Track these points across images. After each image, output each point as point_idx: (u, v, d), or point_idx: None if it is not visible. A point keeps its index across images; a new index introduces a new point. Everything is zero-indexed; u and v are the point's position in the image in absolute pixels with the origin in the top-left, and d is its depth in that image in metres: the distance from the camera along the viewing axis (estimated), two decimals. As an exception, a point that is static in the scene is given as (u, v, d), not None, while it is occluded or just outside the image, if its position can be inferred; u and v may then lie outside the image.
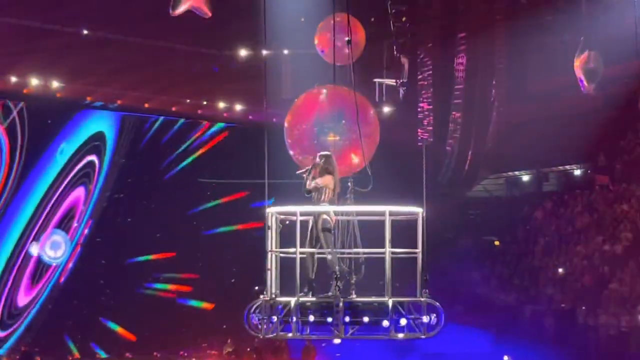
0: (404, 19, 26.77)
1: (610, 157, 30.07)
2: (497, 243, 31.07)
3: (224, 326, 27.64)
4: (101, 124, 30.01)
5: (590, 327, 25.41)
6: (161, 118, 30.71)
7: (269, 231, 11.58)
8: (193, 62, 28.94)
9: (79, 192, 29.57)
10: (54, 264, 28.68)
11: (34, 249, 28.48)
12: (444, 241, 30.92)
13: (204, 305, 30.19)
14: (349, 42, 13.25)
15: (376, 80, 28.72)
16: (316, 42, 14.77)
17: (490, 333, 26.19)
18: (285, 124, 14.32)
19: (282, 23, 25.57)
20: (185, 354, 28.61)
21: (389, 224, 11.24)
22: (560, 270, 27.83)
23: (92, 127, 29.86)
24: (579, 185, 30.78)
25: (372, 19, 22.70)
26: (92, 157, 29.77)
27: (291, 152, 14.08)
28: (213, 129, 31.58)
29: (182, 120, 31.07)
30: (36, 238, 28.68)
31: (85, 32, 26.86)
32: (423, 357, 24.02)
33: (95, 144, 29.80)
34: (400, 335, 11.44)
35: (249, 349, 24.24)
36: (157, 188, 30.46)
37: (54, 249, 28.71)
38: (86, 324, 28.61)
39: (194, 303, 30.25)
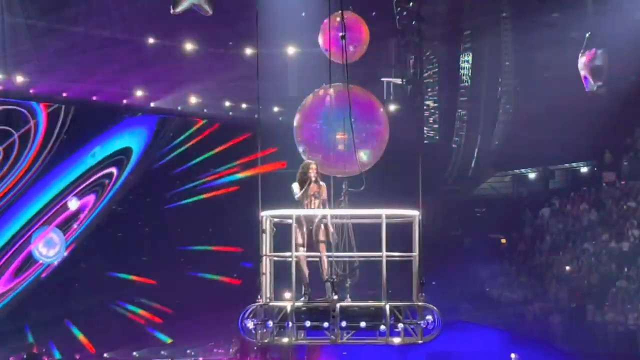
0: (406, 14, 26.74)
1: (617, 154, 30.01)
2: (503, 241, 31.04)
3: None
4: (132, 140, 30.38)
5: (597, 324, 25.39)
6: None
7: (264, 235, 11.40)
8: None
9: (90, 198, 29.81)
10: (42, 262, 28.70)
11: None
12: (451, 239, 30.95)
13: (169, 341, 30.10)
14: (342, 37, 13.17)
15: (384, 79, 28.71)
16: (320, 40, 14.75)
17: (498, 330, 26.16)
18: (295, 123, 14.29)
19: (288, 21, 25.61)
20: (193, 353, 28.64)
21: (384, 227, 11.13)
22: (567, 267, 27.79)
23: (123, 141, 30.24)
24: (586, 183, 30.74)
25: (374, 14, 22.63)
26: (113, 169, 30.04)
27: (301, 150, 14.03)
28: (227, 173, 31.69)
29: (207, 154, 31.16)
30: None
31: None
32: (429, 355, 23.98)
33: (120, 157, 30.16)
34: (396, 340, 11.28)
35: (255, 347, 24.23)
36: (157, 214, 30.82)
37: (48, 247, 28.72)
38: (51, 322, 28.45)
39: (160, 336, 30.17)
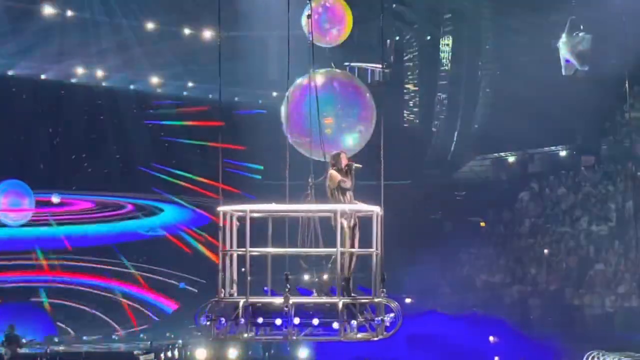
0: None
1: (596, 138, 30.15)
2: (482, 224, 31.14)
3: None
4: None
5: (575, 307, 25.55)
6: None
7: (223, 230, 11.14)
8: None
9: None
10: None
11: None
12: (430, 222, 31.04)
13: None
14: (309, 16, 13.11)
15: (352, 64, 28.58)
16: (303, 23, 14.70)
17: (476, 313, 26.28)
18: (282, 109, 14.24)
19: (271, 4, 25.53)
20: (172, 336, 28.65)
21: (339, 223, 10.97)
22: (545, 251, 27.94)
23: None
24: (565, 166, 30.86)
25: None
26: None
27: (289, 137, 13.95)
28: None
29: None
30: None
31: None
32: (409, 338, 24.07)
33: None
34: (353, 336, 11.01)
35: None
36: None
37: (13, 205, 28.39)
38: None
39: None
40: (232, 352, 23.68)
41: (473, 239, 30.00)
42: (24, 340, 23.53)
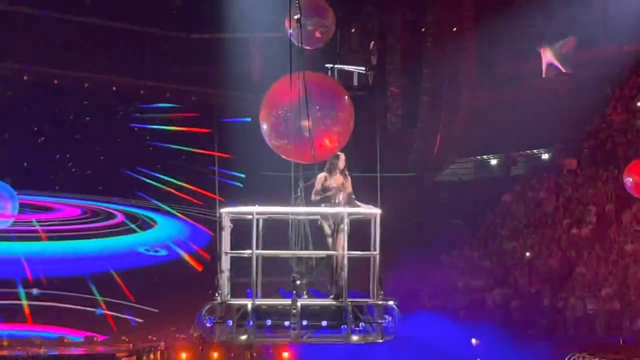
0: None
1: (578, 141, 30.26)
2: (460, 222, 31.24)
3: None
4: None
5: (556, 309, 25.62)
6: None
7: (223, 232, 11.22)
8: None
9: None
10: None
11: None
12: (412, 225, 31.08)
13: None
14: (298, 20, 13.08)
15: (328, 65, 28.56)
16: (286, 25, 14.68)
17: (458, 316, 26.34)
18: (260, 111, 14.20)
19: (252, 6, 25.54)
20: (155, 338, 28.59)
21: (347, 226, 11.07)
22: (527, 253, 28.01)
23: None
24: (547, 169, 30.97)
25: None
26: None
27: (266, 139, 13.92)
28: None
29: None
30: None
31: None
32: (390, 342, 24.09)
33: None
34: (356, 338, 11.18)
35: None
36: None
37: None
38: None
39: None
40: (215, 353, 23.70)
41: (455, 241, 30.07)
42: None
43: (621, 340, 22.48)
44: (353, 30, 29.37)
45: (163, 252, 30.77)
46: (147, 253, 30.57)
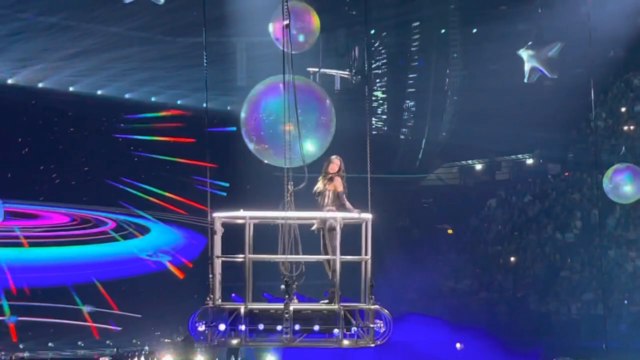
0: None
1: (563, 146, 30.36)
2: (450, 232, 31.27)
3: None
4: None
5: (541, 314, 25.69)
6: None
7: (215, 236, 11.25)
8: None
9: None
10: None
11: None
12: (398, 229, 31.11)
13: None
14: (287, 26, 13.08)
15: (309, 69, 28.52)
16: (270, 29, 14.67)
17: (443, 320, 26.35)
18: (242, 114, 14.18)
19: (240, 10, 25.53)
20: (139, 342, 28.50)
21: (339, 230, 11.10)
22: (512, 258, 28.07)
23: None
24: (532, 174, 31.06)
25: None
26: None
27: (247, 142, 13.92)
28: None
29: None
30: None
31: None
32: (376, 346, 24.08)
33: None
34: (347, 343, 11.22)
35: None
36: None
37: None
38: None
39: None
40: (199, 357, 23.64)
41: (440, 245, 30.12)
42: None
43: (604, 345, 22.54)
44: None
45: (158, 258, 30.74)
46: (142, 256, 30.50)
